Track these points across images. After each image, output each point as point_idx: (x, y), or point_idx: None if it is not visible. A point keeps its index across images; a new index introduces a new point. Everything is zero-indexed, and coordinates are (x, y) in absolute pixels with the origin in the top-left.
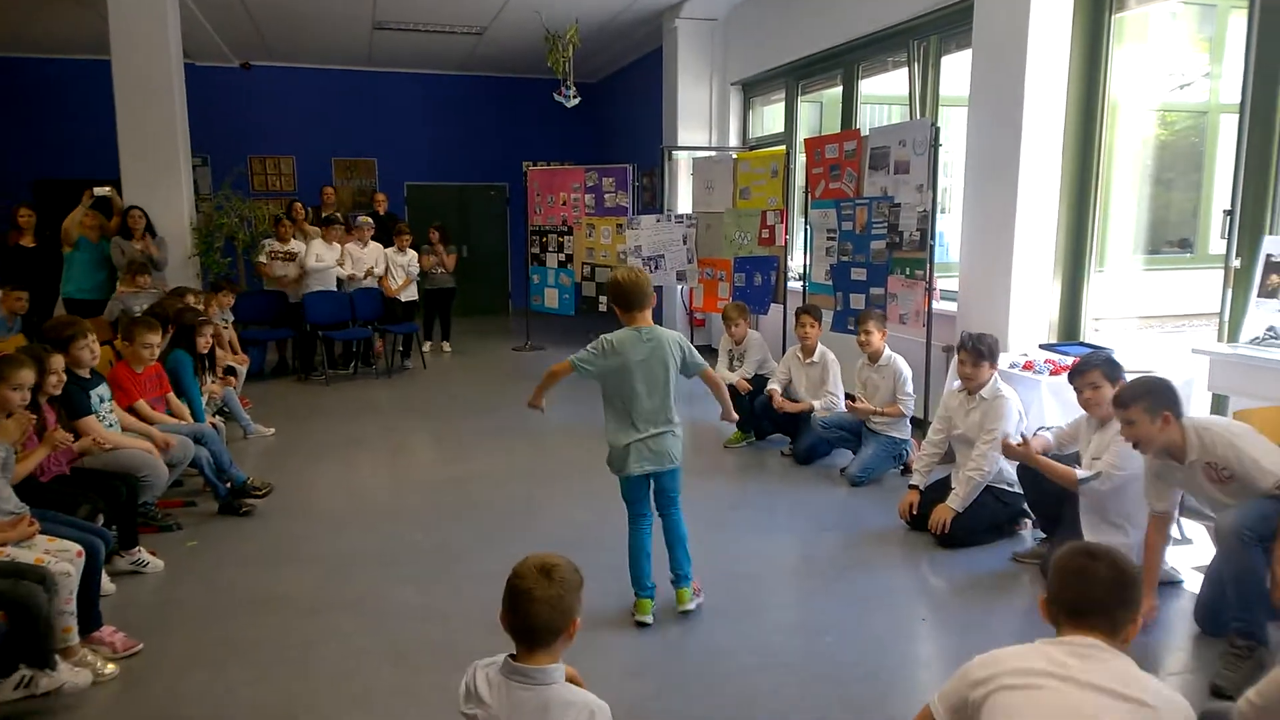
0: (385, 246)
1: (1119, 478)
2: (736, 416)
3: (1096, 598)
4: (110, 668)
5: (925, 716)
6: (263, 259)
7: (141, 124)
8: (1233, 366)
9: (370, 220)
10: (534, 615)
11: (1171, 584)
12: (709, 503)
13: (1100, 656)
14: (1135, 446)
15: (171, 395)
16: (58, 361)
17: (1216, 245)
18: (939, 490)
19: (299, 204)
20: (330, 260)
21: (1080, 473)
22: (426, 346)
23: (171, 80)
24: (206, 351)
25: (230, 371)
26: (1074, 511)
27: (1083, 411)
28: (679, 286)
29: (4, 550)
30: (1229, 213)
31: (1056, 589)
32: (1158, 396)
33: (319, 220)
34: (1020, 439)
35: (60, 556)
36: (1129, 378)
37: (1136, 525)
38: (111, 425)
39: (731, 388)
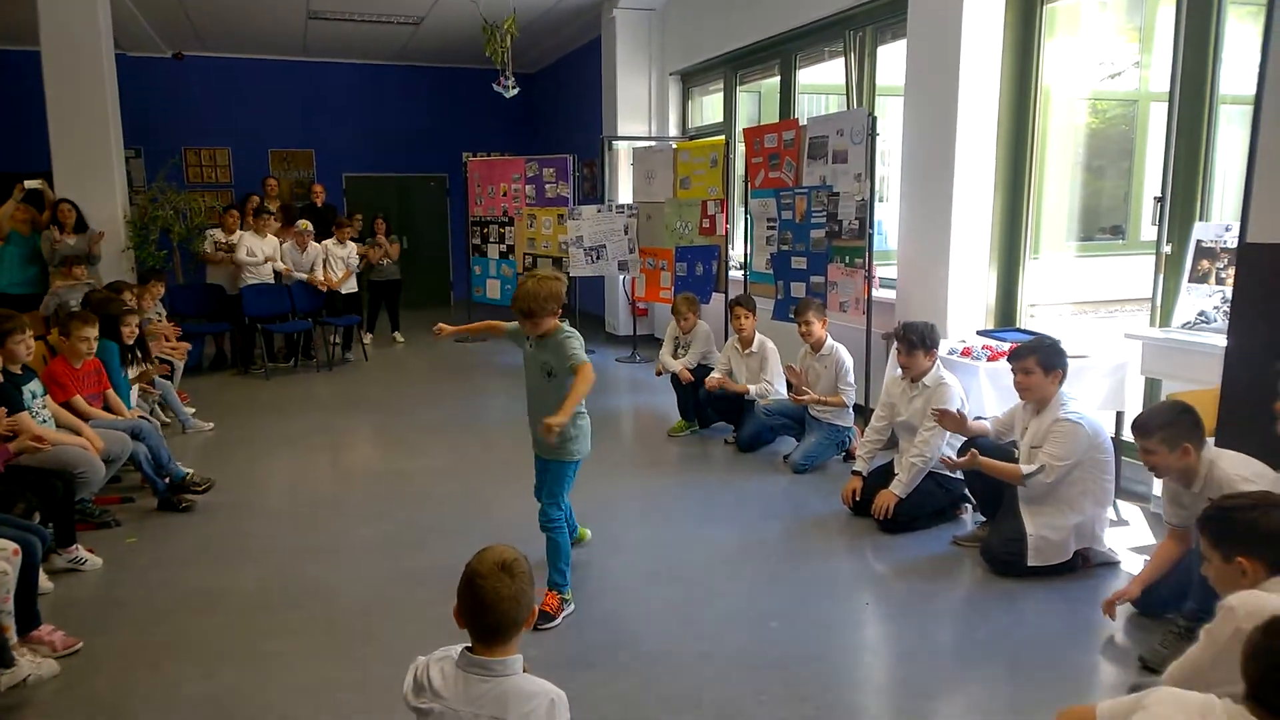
0: (324, 238)
1: (1061, 469)
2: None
3: None
4: (48, 664)
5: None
6: (208, 248)
7: (73, 116)
8: (1165, 351)
9: (310, 226)
10: (500, 613)
11: (1109, 564)
12: (653, 492)
13: None
14: (1153, 471)
15: (110, 392)
16: None
17: (1148, 232)
18: (881, 476)
19: (255, 196)
20: (262, 255)
21: (1025, 468)
22: (368, 339)
23: (103, 71)
24: (132, 342)
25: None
26: (1013, 495)
27: (1018, 399)
28: (621, 276)
29: None
30: (1160, 200)
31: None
32: (1180, 428)
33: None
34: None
35: None
36: (1069, 364)
37: (1076, 509)
38: (45, 421)
39: (674, 377)
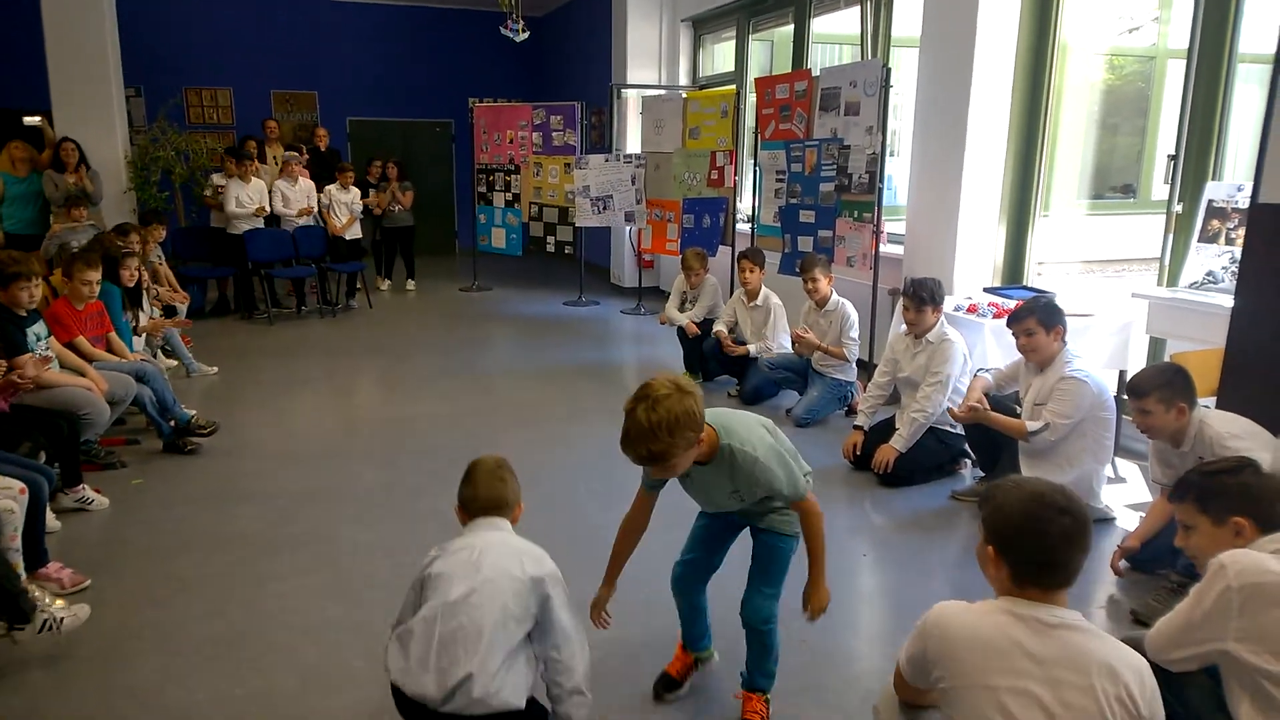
0: (328, 183)
1: (1065, 426)
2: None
3: (1062, 558)
4: (59, 604)
5: (897, 675)
6: (208, 194)
7: (72, 52)
8: (1171, 310)
9: (297, 154)
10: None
11: (1104, 520)
12: None
13: (1073, 638)
14: (1146, 433)
15: (113, 335)
16: None
17: (1159, 191)
18: (882, 431)
19: (251, 140)
20: (251, 205)
21: (1030, 425)
22: (385, 285)
23: (102, 6)
24: (133, 285)
25: (171, 311)
26: (1013, 451)
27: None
28: (627, 228)
29: None
30: (1173, 158)
31: (1012, 542)
32: (1174, 388)
33: (260, 155)
34: (960, 406)
35: (3, 494)
36: (1068, 322)
37: (1075, 465)
38: (50, 363)
39: (680, 330)
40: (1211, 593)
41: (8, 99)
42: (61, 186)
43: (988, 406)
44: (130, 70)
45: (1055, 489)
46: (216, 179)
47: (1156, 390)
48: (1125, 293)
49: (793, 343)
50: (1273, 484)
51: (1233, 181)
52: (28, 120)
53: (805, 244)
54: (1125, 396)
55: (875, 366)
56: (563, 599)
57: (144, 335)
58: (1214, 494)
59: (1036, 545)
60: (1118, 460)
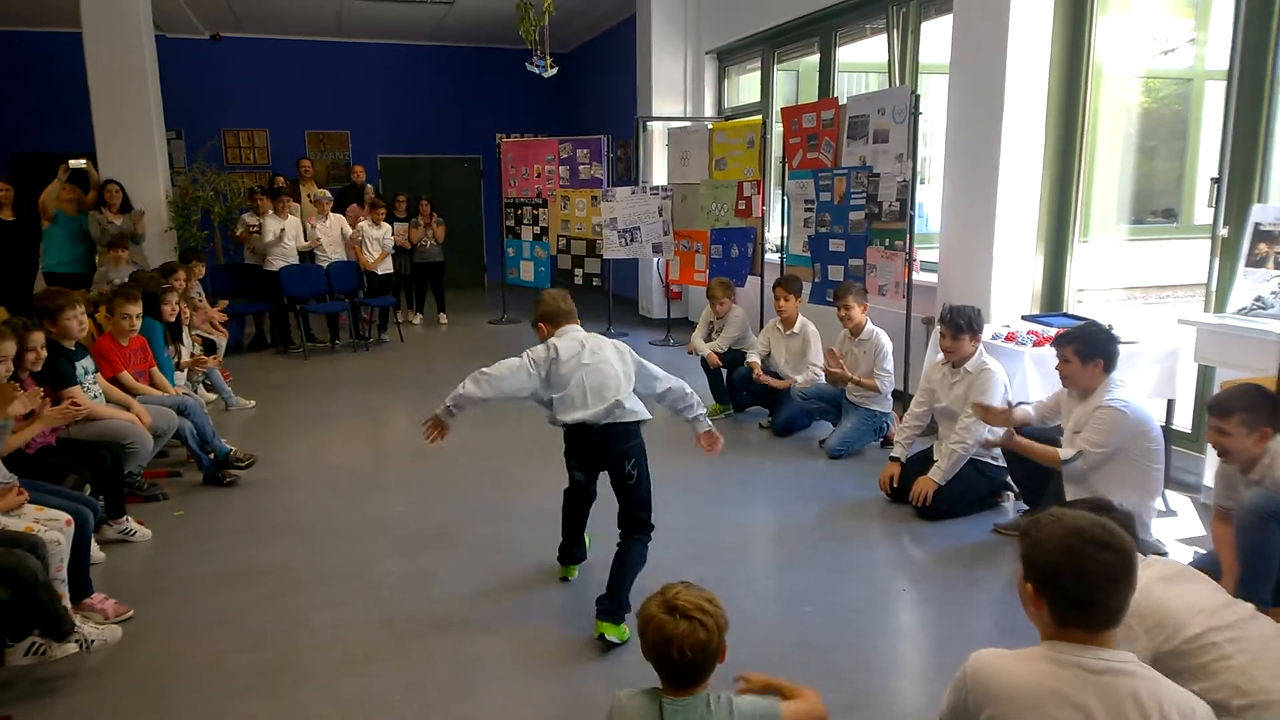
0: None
1: (1098, 455)
2: None
3: (1103, 597)
4: (90, 626)
5: None
6: (239, 231)
7: (115, 97)
8: (1220, 337)
9: (328, 193)
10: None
11: (1155, 555)
12: (687, 475)
13: (1120, 684)
14: (1221, 455)
15: (155, 369)
16: (37, 338)
17: (1201, 215)
18: (920, 463)
19: (280, 177)
20: (285, 236)
21: (1063, 452)
22: (417, 319)
23: (143, 52)
24: (173, 319)
25: (211, 347)
26: (1058, 484)
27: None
28: (655, 259)
29: None
30: (1216, 181)
31: (1051, 579)
32: (1261, 412)
33: (293, 192)
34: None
35: (50, 525)
36: (1116, 352)
37: (1122, 498)
38: (96, 397)
39: (702, 360)
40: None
41: (55, 143)
42: (106, 227)
43: (1013, 428)
44: (171, 114)
45: (1096, 523)
46: (248, 218)
47: (1242, 412)
48: (1170, 319)
49: (826, 376)
50: None
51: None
52: (73, 163)
53: (836, 273)
54: (1174, 426)
55: (910, 396)
56: (642, 359)
57: (185, 370)
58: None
59: (1076, 583)
60: (1168, 493)
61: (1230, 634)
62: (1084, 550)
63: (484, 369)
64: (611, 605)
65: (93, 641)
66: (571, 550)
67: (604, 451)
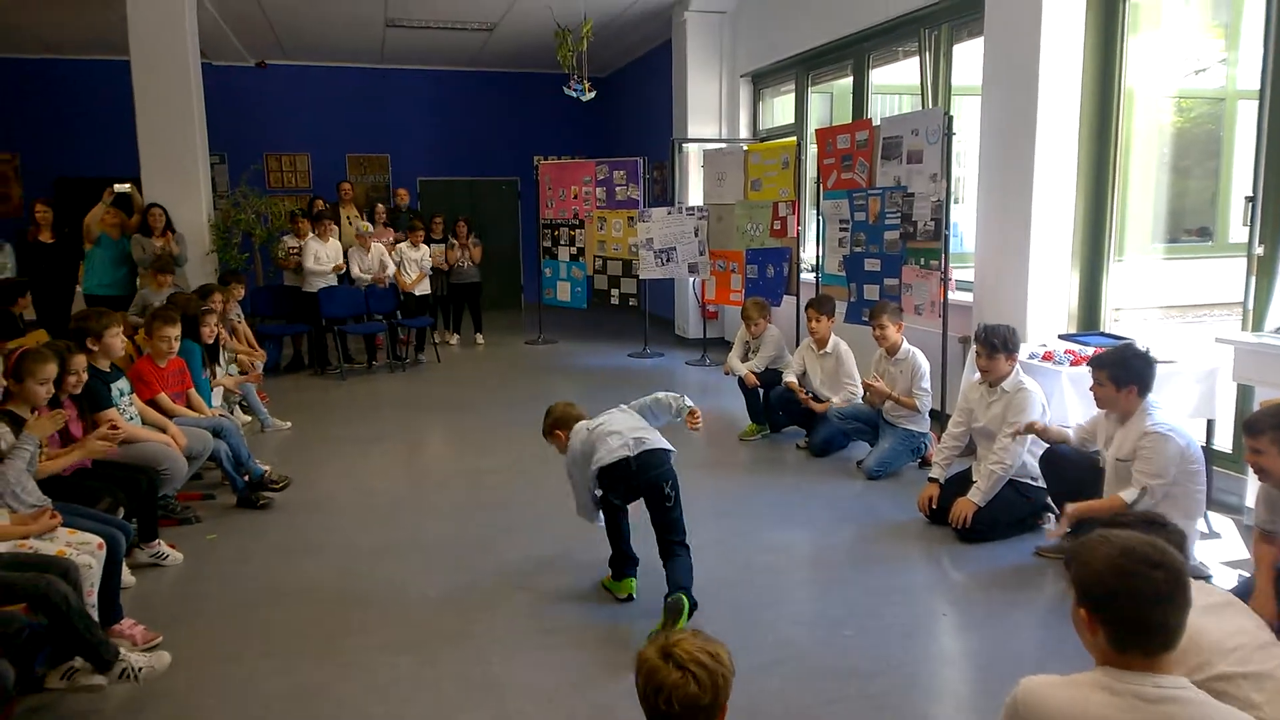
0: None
1: (1161, 485)
2: None
3: (1159, 618)
4: (136, 655)
5: None
6: (280, 253)
7: (160, 123)
8: (1258, 356)
9: (370, 227)
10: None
11: (1199, 579)
12: (723, 495)
13: (1179, 713)
14: (1258, 475)
15: (192, 391)
16: (80, 361)
17: (1236, 233)
18: (959, 484)
19: (320, 199)
20: (328, 261)
21: (1127, 495)
22: (454, 339)
23: (189, 80)
24: (211, 342)
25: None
26: None
27: None
28: (691, 279)
29: (26, 543)
30: (1251, 199)
31: (1104, 602)
32: None
33: (333, 215)
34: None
35: (81, 549)
36: (1153, 375)
37: None
38: (131, 419)
39: (740, 380)
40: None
41: (99, 167)
42: (149, 250)
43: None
44: (215, 138)
45: (1146, 541)
46: (288, 240)
47: (1272, 430)
48: (1208, 338)
49: (863, 392)
50: None
51: None
52: (118, 187)
53: (871, 292)
54: (1214, 446)
55: (948, 416)
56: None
57: (221, 389)
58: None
59: (1130, 604)
60: (1210, 515)
61: (1261, 682)
62: (1135, 570)
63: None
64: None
65: (141, 669)
66: (625, 555)
67: (642, 476)
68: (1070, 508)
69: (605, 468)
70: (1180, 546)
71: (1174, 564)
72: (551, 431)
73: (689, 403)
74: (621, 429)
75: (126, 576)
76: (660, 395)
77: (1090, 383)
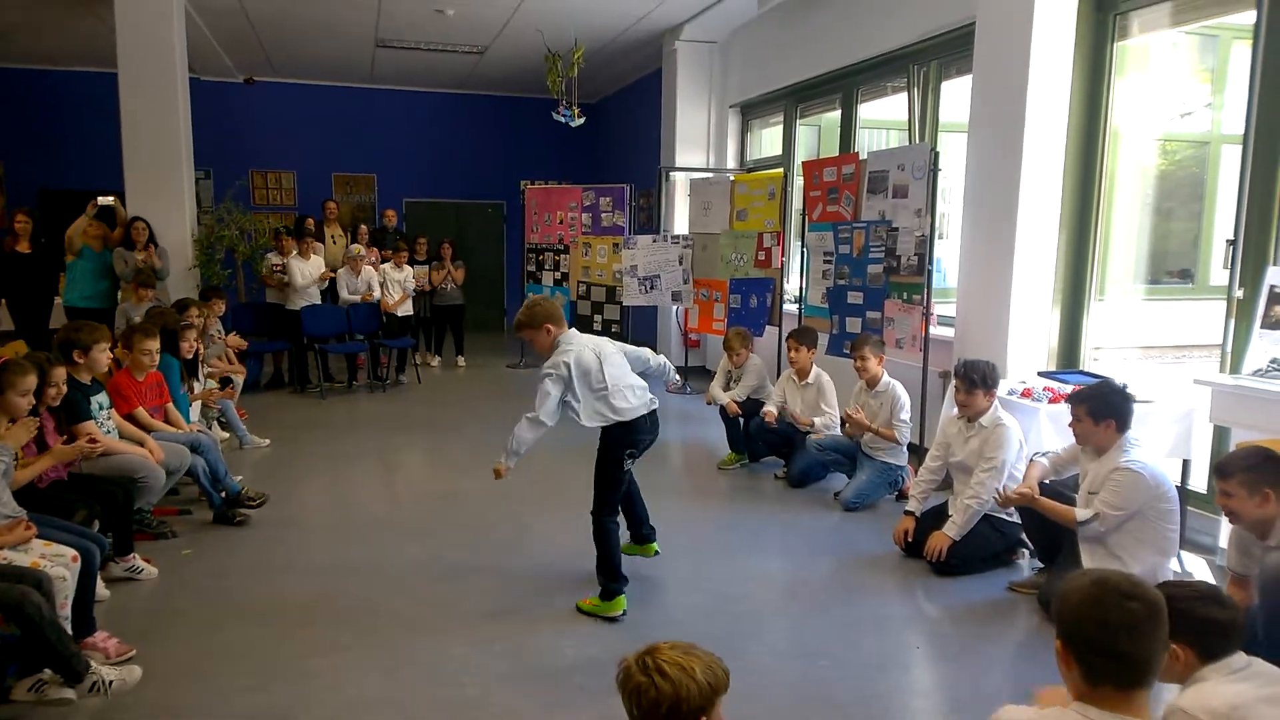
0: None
1: (1116, 518)
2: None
3: (1128, 648)
4: (107, 668)
5: None
6: (263, 270)
7: (146, 136)
8: (1235, 398)
9: (361, 250)
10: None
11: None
12: (701, 524)
13: None
14: (1229, 517)
15: (170, 406)
16: (60, 373)
17: (1217, 276)
18: (935, 517)
19: (310, 219)
20: (313, 278)
21: (1080, 513)
22: (435, 361)
23: (176, 94)
24: (190, 357)
25: (227, 382)
26: (1073, 541)
27: None
28: (674, 307)
29: (0, 554)
30: (1232, 242)
31: (1077, 632)
32: (1263, 473)
33: (318, 234)
34: (1010, 489)
35: (56, 561)
36: (1130, 412)
37: (1135, 559)
38: (110, 432)
39: (722, 409)
40: None
41: (83, 179)
42: (131, 263)
43: (1037, 493)
44: (200, 153)
45: (1122, 576)
46: (272, 258)
47: (1241, 473)
48: (1186, 379)
49: (842, 424)
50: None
51: None
52: (101, 200)
53: (853, 325)
54: (1189, 486)
55: (926, 450)
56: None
57: (199, 405)
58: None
59: (1101, 634)
60: (1184, 554)
61: None
62: (1107, 599)
63: (529, 415)
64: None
65: (111, 682)
66: (642, 526)
67: (655, 432)
68: (1014, 490)
69: (629, 422)
70: (1233, 627)
71: (1148, 596)
72: (541, 326)
73: (675, 377)
74: (635, 383)
75: (101, 590)
76: (655, 362)
77: (1069, 419)
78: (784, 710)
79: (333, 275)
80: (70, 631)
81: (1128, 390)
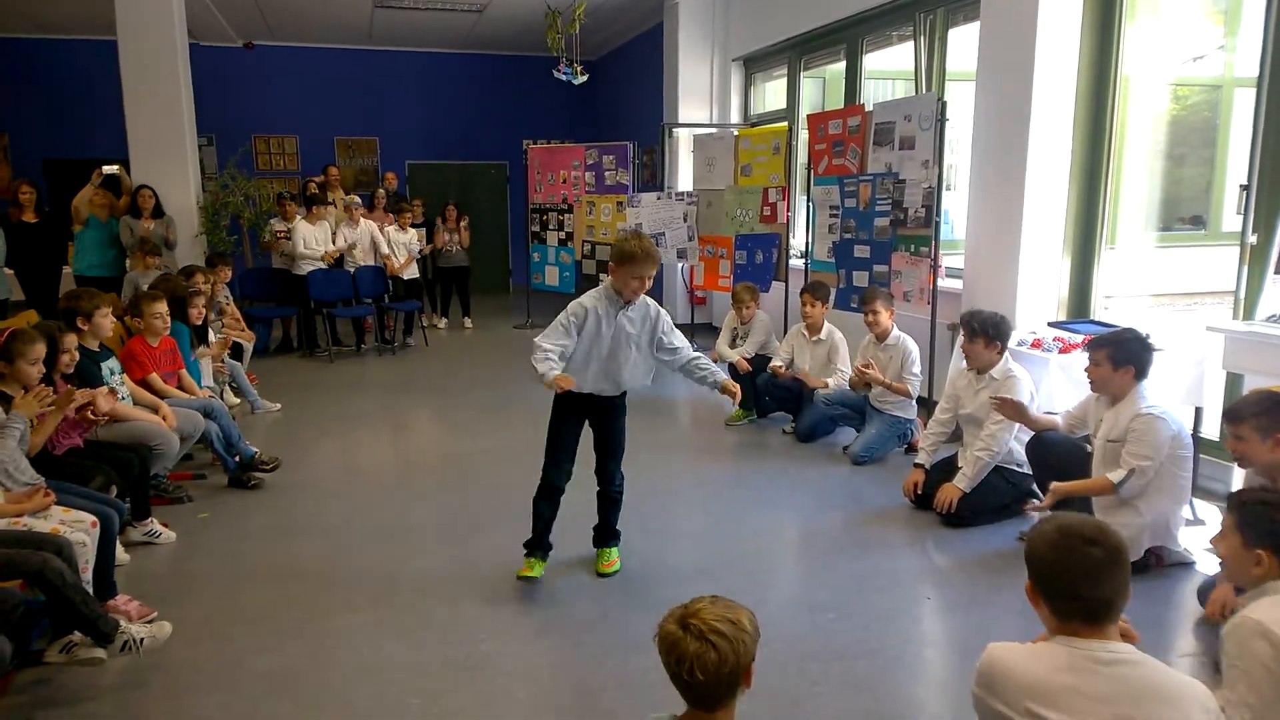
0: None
1: (1150, 467)
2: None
3: (1089, 591)
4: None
5: None
6: (267, 236)
7: (148, 103)
8: (1249, 344)
9: (358, 200)
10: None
11: (1182, 564)
12: (709, 480)
13: (1130, 673)
14: (1239, 462)
15: (183, 372)
16: (71, 340)
17: (1230, 222)
18: (944, 469)
19: (314, 183)
20: (319, 245)
21: (1114, 475)
22: (442, 323)
23: (176, 60)
24: (200, 323)
25: (237, 350)
26: None
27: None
28: (680, 264)
29: (21, 520)
30: (1245, 188)
31: (1044, 575)
32: (1275, 417)
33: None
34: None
35: (75, 527)
36: (1150, 361)
37: (1151, 506)
38: (123, 398)
39: (731, 366)
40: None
41: (87, 149)
42: (137, 232)
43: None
44: (203, 120)
45: (1087, 521)
46: (275, 224)
47: (1252, 418)
48: (1199, 326)
49: (850, 382)
50: None
51: None
52: (106, 169)
53: (860, 279)
54: (1201, 433)
55: (934, 403)
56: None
57: (210, 369)
58: (1257, 520)
59: (1065, 579)
60: (1196, 501)
61: None
62: (1070, 545)
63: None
64: None
65: (142, 640)
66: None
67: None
68: (1055, 486)
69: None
70: None
71: (1109, 542)
72: (645, 268)
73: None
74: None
75: (121, 554)
76: (707, 370)
77: (1080, 370)
78: (791, 663)
79: (337, 257)
80: (93, 595)
81: (1148, 339)
